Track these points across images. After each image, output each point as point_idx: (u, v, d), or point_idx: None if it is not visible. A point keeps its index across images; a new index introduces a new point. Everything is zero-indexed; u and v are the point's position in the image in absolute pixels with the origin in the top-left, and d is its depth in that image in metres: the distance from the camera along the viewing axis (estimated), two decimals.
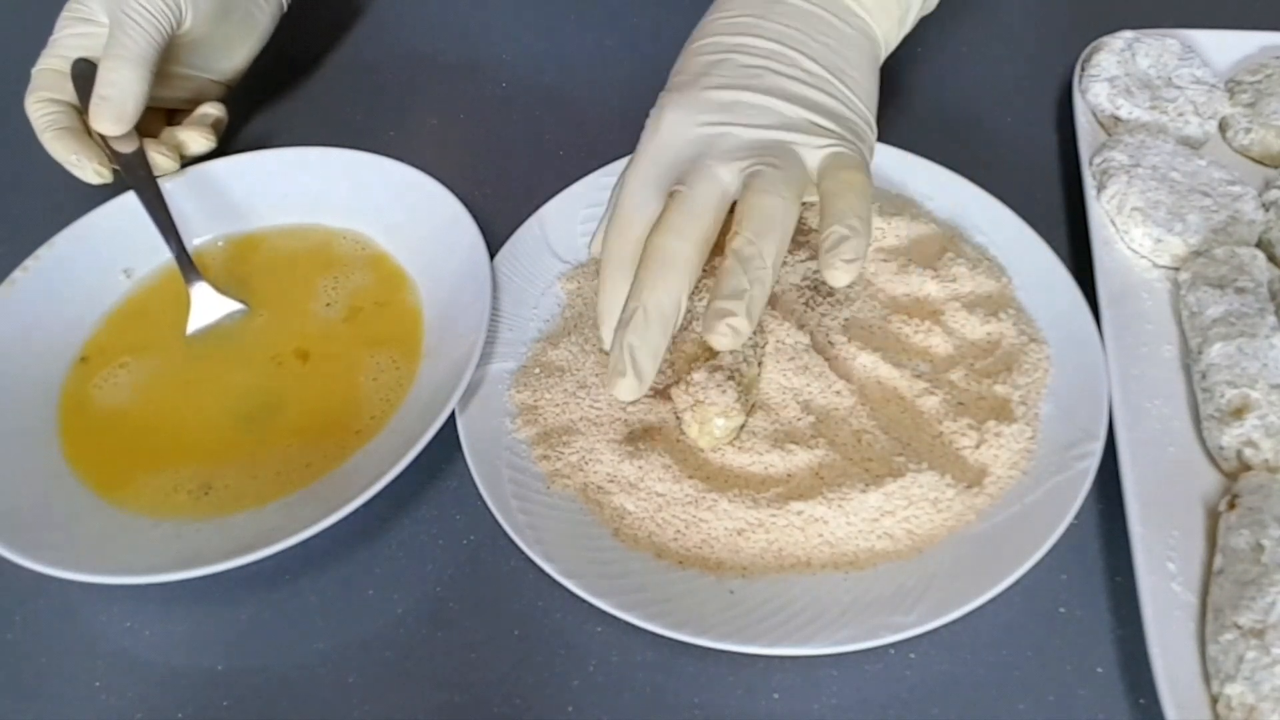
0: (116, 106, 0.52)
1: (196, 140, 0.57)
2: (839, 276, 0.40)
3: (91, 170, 0.54)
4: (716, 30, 0.47)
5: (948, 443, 0.44)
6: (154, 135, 0.57)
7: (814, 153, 0.43)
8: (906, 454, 0.44)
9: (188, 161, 0.57)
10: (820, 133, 0.43)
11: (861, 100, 0.46)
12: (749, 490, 0.43)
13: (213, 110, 0.60)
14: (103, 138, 0.54)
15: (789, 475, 0.43)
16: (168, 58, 0.55)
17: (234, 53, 0.61)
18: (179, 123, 0.59)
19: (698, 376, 0.44)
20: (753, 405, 0.45)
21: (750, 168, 0.42)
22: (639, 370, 0.40)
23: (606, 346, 0.44)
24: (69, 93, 0.55)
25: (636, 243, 0.42)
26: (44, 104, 0.54)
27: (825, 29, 0.46)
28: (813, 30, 0.46)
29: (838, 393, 0.45)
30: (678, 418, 0.45)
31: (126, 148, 0.54)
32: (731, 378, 0.44)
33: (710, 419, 0.43)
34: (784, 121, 0.43)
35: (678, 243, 0.40)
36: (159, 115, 0.59)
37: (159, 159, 0.55)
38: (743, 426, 0.45)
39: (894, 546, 0.42)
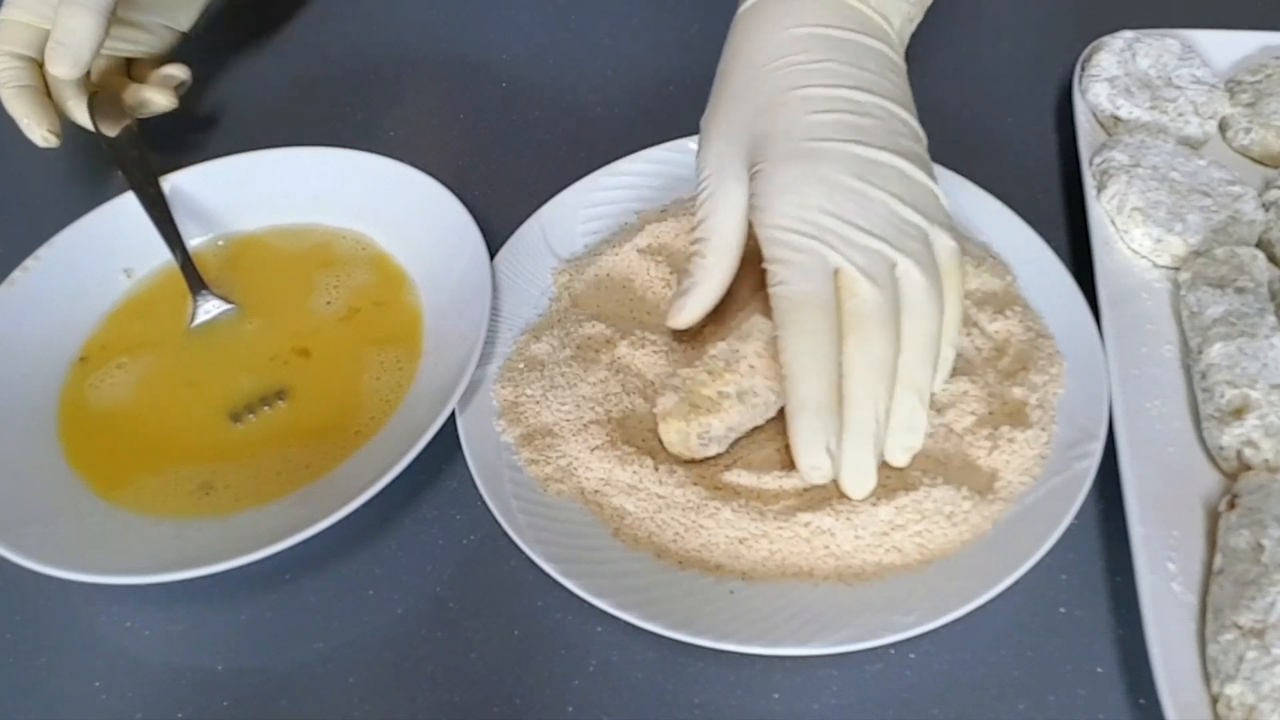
0: (73, 51, 0.52)
1: (158, 100, 0.59)
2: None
3: (40, 135, 0.55)
4: (799, 82, 0.42)
5: (965, 452, 0.44)
6: (117, 91, 0.58)
7: (939, 236, 0.42)
8: (923, 464, 0.43)
9: (184, 163, 0.57)
10: (940, 219, 0.42)
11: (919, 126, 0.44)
12: (756, 502, 0.42)
13: (178, 73, 0.61)
14: (97, 128, 0.54)
15: (802, 490, 0.43)
16: (126, 4, 0.55)
17: (191, 1, 0.62)
18: (143, 79, 0.60)
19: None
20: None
21: (907, 264, 0.40)
22: (877, 467, 0.41)
23: (815, 469, 0.40)
24: (31, 46, 0.55)
25: (831, 358, 0.40)
26: (5, 58, 0.55)
27: (883, 61, 0.44)
28: (877, 65, 0.43)
29: None
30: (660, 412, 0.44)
31: (111, 130, 0.55)
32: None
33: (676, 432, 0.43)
34: (912, 204, 0.41)
35: (889, 352, 0.40)
36: (120, 71, 0.60)
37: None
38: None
39: (902, 560, 0.41)
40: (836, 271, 0.40)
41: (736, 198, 0.43)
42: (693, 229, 0.45)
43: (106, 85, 0.59)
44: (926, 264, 0.41)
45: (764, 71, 0.43)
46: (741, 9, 0.47)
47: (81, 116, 0.56)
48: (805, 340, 0.39)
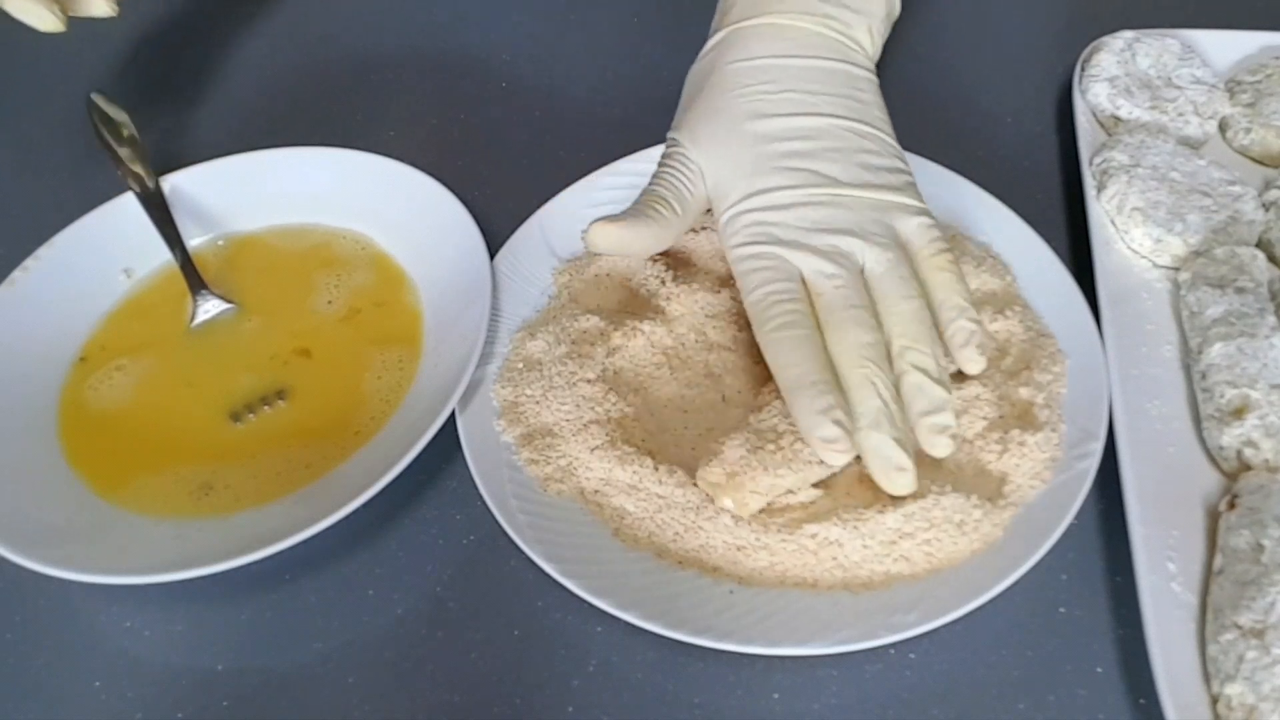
0: None
1: (98, 4, 0.53)
2: (976, 365, 0.43)
3: None
4: (765, 110, 0.46)
5: (977, 458, 0.43)
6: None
7: (904, 223, 0.44)
8: (932, 473, 0.42)
9: (184, 163, 0.57)
10: (901, 207, 0.44)
11: (895, 140, 0.47)
12: (761, 513, 0.42)
13: None
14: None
15: (810, 502, 0.42)
16: None
17: None
18: None
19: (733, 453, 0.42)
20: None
21: (874, 254, 0.43)
22: (910, 456, 0.40)
23: (830, 443, 0.39)
24: None
25: (813, 341, 0.41)
26: None
27: (848, 82, 0.47)
28: (841, 88, 0.47)
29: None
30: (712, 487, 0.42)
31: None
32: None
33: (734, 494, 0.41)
34: (875, 203, 0.44)
35: (870, 335, 0.41)
36: None
37: (45, 13, 0.50)
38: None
39: (910, 570, 0.41)
40: (802, 278, 0.43)
41: (701, 182, 0.46)
42: (655, 182, 0.46)
43: None
44: (889, 248, 0.43)
45: (728, 99, 0.47)
46: (710, 42, 0.50)
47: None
48: (783, 333, 0.41)
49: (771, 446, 0.41)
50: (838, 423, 0.39)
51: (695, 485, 0.43)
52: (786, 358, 0.41)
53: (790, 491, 0.42)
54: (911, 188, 0.45)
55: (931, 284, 0.43)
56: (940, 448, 0.40)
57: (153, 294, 0.54)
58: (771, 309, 0.41)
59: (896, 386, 0.41)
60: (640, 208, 0.45)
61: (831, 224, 0.43)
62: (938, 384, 0.41)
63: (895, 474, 0.40)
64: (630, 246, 0.45)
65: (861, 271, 0.43)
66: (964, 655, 0.41)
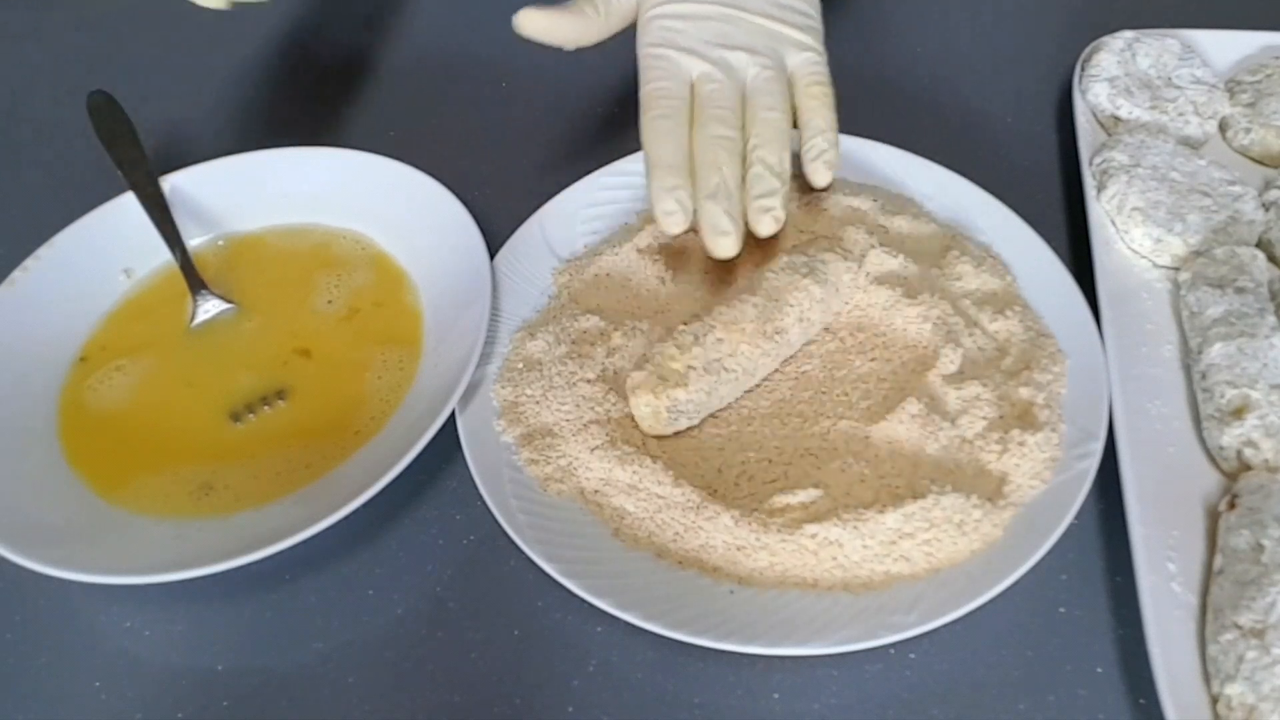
0: None
1: None
2: (822, 177, 0.49)
3: None
4: None
5: (977, 458, 0.43)
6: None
7: (793, 55, 0.51)
8: (933, 473, 0.43)
9: (184, 163, 0.57)
10: (794, 42, 0.51)
11: None
12: (759, 512, 0.42)
13: None
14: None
15: (810, 503, 0.42)
16: None
17: None
18: None
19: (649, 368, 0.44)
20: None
21: (755, 70, 0.49)
22: (736, 226, 0.46)
23: (669, 215, 0.46)
24: None
25: (681, 133, 0.48)
26: None
27: None
28: None
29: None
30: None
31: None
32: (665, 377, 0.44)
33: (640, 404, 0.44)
34: (771, 33, 0.51)
35: (728, 130, 0.48)
36: None
37: None
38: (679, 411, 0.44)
39: (910, 570, 0.41)
40: (693, 83, 0.49)
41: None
42: None
43: None
44: (771, 68, 0.50)
45: None
46: None
47: None
48: (659, 122, 0.48)
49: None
50: (678, 200, 0.46)
51: (694, 486, 0.43)
52: (654, 141, 0.47)
53: (692, 369, 0.43)
54: (813, 31, 0.52)
55: (802, 108, 0.50)
56: (764, 226, 0.46)
57: (153, 294, 0.54)
58: (656, 101, 0.48)
59: (744, 177, 0.47)
60: (568, 3, 0.52)
61: (727, 40, 0.50)
62: (775, 176, 0.47)
63: (719, 236, 0.46)
64: (552, 34, 0.51)
65: (744, 85, 0.49)
66: (964, 655, 0.41)
